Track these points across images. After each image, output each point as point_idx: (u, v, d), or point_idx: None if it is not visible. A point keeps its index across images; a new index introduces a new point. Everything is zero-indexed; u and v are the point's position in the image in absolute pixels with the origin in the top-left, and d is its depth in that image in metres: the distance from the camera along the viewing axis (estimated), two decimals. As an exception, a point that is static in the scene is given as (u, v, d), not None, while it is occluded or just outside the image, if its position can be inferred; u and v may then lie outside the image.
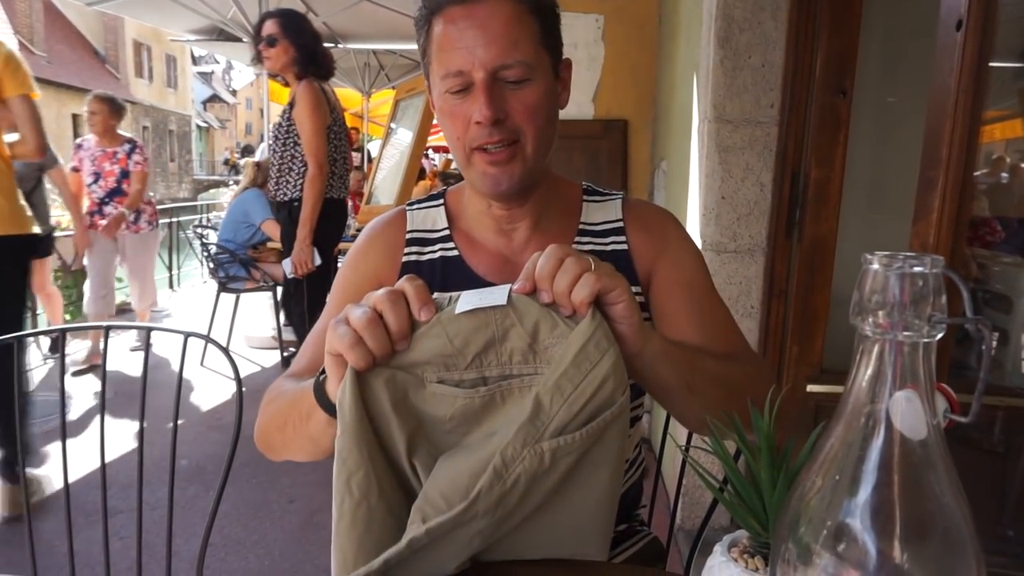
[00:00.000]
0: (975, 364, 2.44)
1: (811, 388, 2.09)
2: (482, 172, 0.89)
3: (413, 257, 0.99)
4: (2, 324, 2.28)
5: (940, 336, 0.37)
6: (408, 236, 1.00)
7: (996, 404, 2.28)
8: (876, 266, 0.37)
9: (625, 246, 0.98)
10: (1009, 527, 2.05)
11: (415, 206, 1.04)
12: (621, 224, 0.99)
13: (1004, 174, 2.59)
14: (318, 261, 3.08)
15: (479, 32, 0.83)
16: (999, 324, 2.35)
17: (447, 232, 1.00)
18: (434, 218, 1.02)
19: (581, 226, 0.99)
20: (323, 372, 0.71)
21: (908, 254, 0.37)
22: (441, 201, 1.03)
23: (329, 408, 0.70)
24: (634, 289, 0.94)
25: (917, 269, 0.36)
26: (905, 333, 0.37)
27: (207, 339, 1.33)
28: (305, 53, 2.94)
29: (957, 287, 0.39)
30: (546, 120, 0.89)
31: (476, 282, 0.96)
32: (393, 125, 5.39)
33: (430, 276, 0.97)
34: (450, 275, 0.97)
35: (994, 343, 2.38)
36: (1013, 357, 2.36)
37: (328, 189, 3.05)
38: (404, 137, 5.04)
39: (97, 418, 1.35)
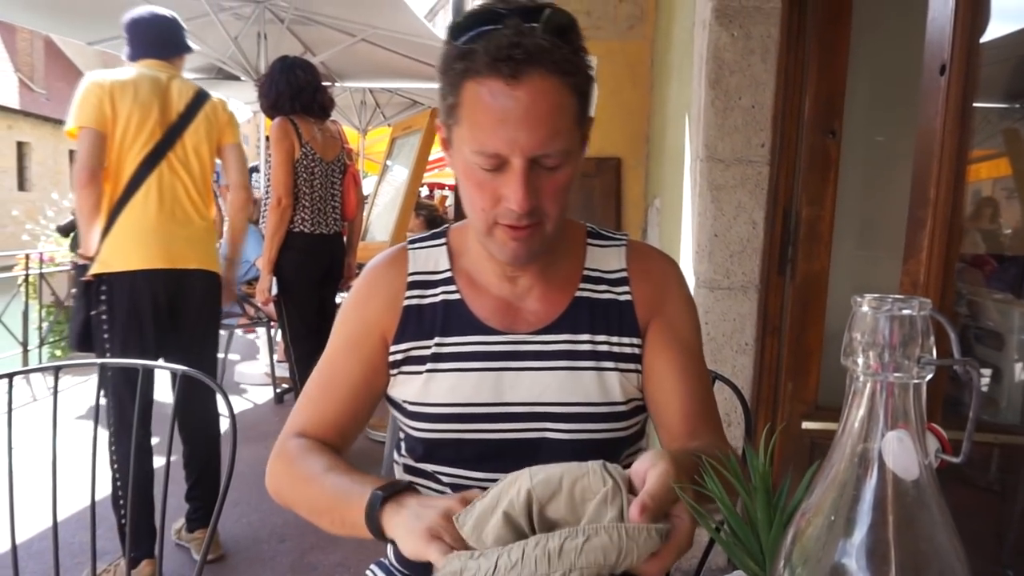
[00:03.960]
0: (969, 401, 2.44)
1: (806, 425, 2.09)
2: (502, 244, 0.88)
3: (415, 301, 0.97)
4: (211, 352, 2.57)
5: (929, 377, 0.37)
6: (409, 279, 0.98)
7: (991, 442, 2.27)
8: (865, 308, 0.38)
9: (629, 297, 0.97)
10: (1008, 566, 2.03)
11: (416, 245, 1.02)
12: (625, 274, 0.98)
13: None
14: (275, 291, 3.13)
15: (522, 117, 0.79)
16: (991, 361, 2.35)
17: (449, 274, 0.98)
18: (436, 258, 1.00)
19: (585, 271, 0.99)
20: (379, 500, 0.78)
21: (897, 296, 0.38)
22: (443, 240, 1.02)
23: (379, 534, 0.78)
24: (635, 340, 0.96)
25: (905, 312, 0.37)
26: (895, 374, 0.37)
27: (200, 376, 1.32)
28: (273, 94, 3.07)
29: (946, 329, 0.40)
30: (569, 195, 0.88)
31: (477, 326, 0.96)
32: (389, 162, 5.45)
33: (431, 319, 0.96)
34: (452, 319, 0.96)
35: (987, 380, 2.38)
36: (1007, 394, 2.36)
37: (299, 222, 3.09)
38: (400, 174, 5.09)
39: (85, 457, 1.33)
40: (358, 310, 1.00)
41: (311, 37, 5.30)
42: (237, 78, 5.41)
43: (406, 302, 0.97)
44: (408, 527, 0.73)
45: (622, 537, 0.59)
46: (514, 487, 0.65)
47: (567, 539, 0.59)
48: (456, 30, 0.83)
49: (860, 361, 0.38)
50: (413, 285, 0.98)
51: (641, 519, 0.61)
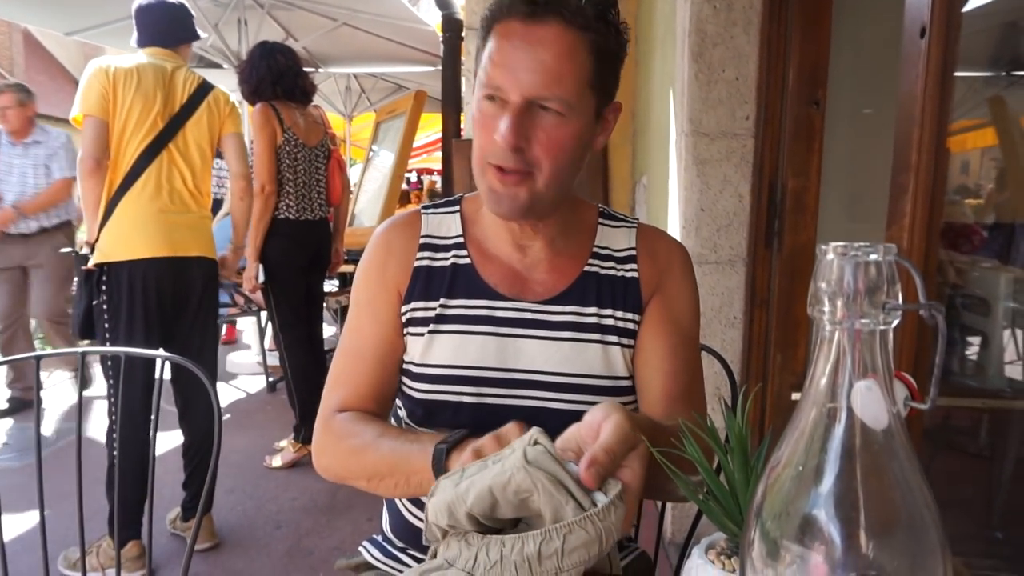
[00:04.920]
0: (958, 368, 2.46)
1: (796, 396, 2.09)
2: (488, 187, 0.89)
3: (425, 262, 0.99)
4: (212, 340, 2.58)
5: (896, 323, 0.37)
6: (421, 240, 1.00)
7: (980, 407, 2.29)
8: (831, 256, 0.37)
9: (636, 274, 0.99)
10: (998, 530, 2.06)
11: (431, 210, 1.03)
12: (634, 252, 1.00)
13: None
14: (262, 278, 3.11)
15: (529, 56, 0.83)
16: (979, 327, 2.37)
17: (460, 239, 1.00)
18: (448, 224, 1.02)
19: (595, 249, 1.00)
20: (443, 454, 0.79)
21: (862, 244, 0.37)
22: (457, 208, 1.03)
23: None
24: (636, 317, 0.97)
25: (872, 257, 0.37)
26: (862, 321, 0.37)
27: (185, 364, 1.31)
28: (254, 80, 3.04)
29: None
30: (569, 159, 0.88)
31: (485, 291, 0.97)
32: (375, 147, 5.41)
33: (440, 281, 0.98)
34: (460, 282, 0.98)
35: (975, 348, 2.40)
36: (994, 360, 2.37)
37: (283, 209, 3.07)
38: (386, 159, 5.05)
39: (71, 449, 1.32)
40: (375, 273, 1.01)
41: (292, 22, 5.24)
42: (219, 66, 5.35)
43: (417, 263, 0.99)
44: None
45: (596, 525, 0.58)
46: (455, 508, 0.63)
47: (543, 543, 0.58)
48: None
49: (826, 310, 0.38)
50: (424, 247, 1.00)
51: (589, 472, 0.61)
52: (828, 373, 0.38)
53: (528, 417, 0.93)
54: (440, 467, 0.80)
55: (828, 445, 0.38)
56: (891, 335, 0.37)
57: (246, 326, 5.03)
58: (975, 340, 2.40)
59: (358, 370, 0.99)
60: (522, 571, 0.57)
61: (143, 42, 2.40)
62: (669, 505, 2.13)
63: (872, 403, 0.37)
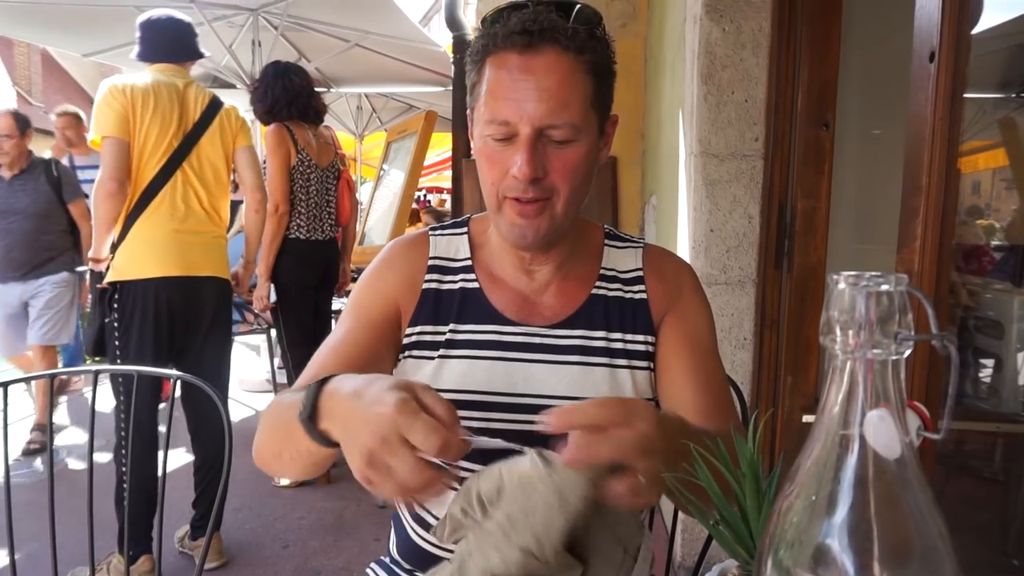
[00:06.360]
0: (971, 391, 2.44)
1: (807, 419, 2.08)
2: (510, 222, 0.89)
3: (433, 284, 0.99)
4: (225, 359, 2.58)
5: (908, 353, 0.37)
6: (430, 262, 1.00)
7: (994, 431, 2.26)
8: (842, 286, 0.38)
9: (644, 295, 0.99)
10: (1013, 556, 2.03)
11: (439, 231, 1.03)
12: (641, 273, 1.00)
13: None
14: (273, 297, 3.12)
15: (532, 87, 0.83)
16: (992, 350, 2.35)
17: (469, 262, 1.00)
18: (457, 246, 1.01)
19: (602, 271, 1.00)
20: (309, 399, 0.69)
21: (874, 273, 0.37)
22: (465, 229, 1.03)
23: (318, 437, 0.69)
24: (648, 338, 0.97)
25: (883, 287, 0.37)
26: (874, 351, 0.37)
27: (196, 382, 1.32)
28: (269, 100, 3.07)
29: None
30: (582, 180, 0.89)
31: (493, 315, 0.97)
32: (385, 167, 5.46)
33: (449, 305, 0.97)
34: (469, 307, 0.97)
35: (988, 370, 2.38)
36: (1008, 383, 2.35)
37: (294, 229, 3.10)
38: (396, 178, 5.09)
39: (83, 464, 1.33)
40: (374, 283, 1.00)
41: (305, 44, 5.31)
42: (232, 86, 5.41)
43: (425, 285, 0.98)
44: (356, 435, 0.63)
45: (548, 482, 0.60)
46: (469, 486, 0.65)
47: (512, 504, 0.60)
48: (485, 20, 0.88)
49: (839, 339, 0.38)
50: (433, 269, 1.00)
51: (550, 417, 0.62)
52: (841, 402, 0.38)
53: (537, 442, 0.93)
54: (311, 407, 0.69)
55: (841, 474, 0.38)
56: (903, 364, 0.38)
57: (255, 344, 5.04)
58: (988, 363, 2.38)
59: (326, 361, 0.95)
60: (501, 540, 0.59)
61: (150, 57, 2.39)
62: (679, 527, 2.11)
63: (885, 433, 0.37)
